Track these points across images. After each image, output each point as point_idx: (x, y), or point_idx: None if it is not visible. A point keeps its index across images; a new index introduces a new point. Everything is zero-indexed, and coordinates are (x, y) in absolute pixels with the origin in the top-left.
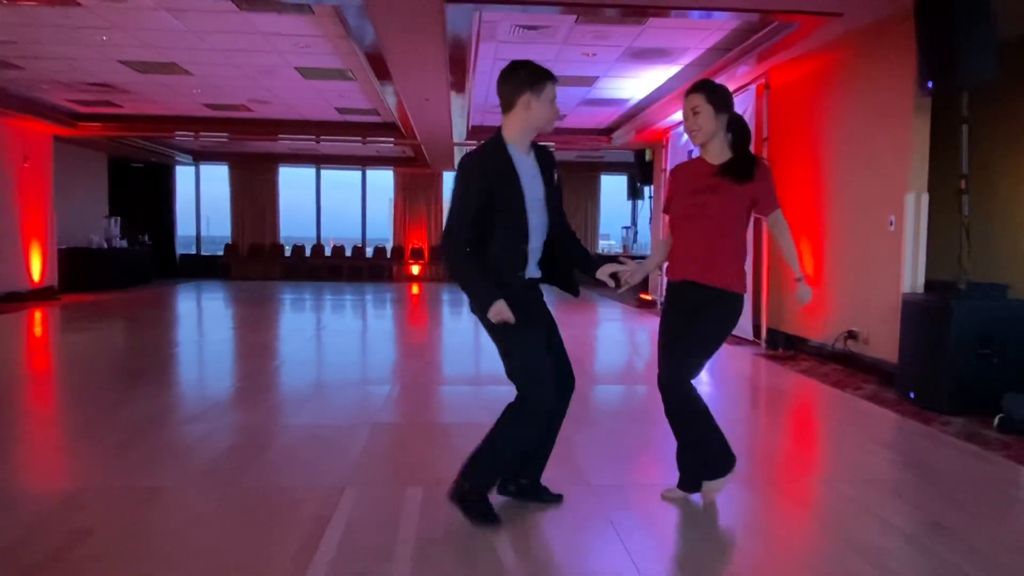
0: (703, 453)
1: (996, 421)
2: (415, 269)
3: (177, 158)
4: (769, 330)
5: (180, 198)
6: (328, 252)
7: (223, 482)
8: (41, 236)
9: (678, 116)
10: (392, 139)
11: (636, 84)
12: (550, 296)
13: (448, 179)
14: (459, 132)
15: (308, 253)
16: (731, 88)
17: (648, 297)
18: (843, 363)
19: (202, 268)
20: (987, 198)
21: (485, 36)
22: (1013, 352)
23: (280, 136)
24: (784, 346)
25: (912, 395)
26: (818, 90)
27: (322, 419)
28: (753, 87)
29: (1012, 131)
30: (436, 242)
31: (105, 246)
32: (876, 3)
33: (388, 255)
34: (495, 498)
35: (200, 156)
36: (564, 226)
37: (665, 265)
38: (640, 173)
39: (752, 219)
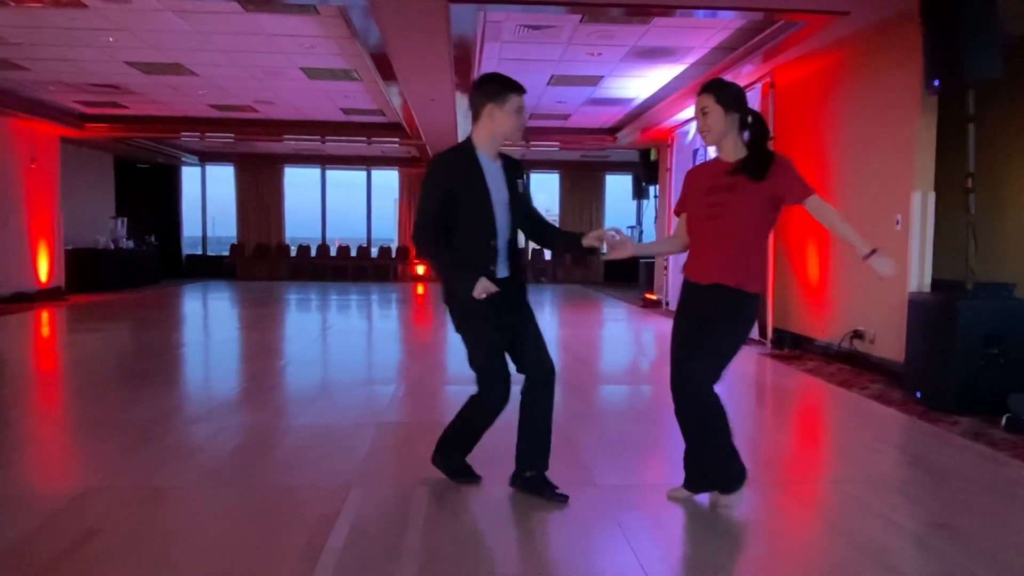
0: (715, 464)
1: (1003, 421)
2: (420, 269)
3: (183, 159)
4: (775, 330)
5: (186, 199)
6: (333, 252)
7: (230, 482)
8: (48, 237)
9: (683, 115)
10: (397, 139)
11: (641, 83)
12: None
13: None
14: (464, 132)
15: (313, 253)
16: None
17: (653, 296)
18: (849, 362)
19: (208, 268)
20: (994, 197)
21: (490, 36)
22: (1020, 352)
23: (285, 137)
24: (790, 346)
25: (919, 395)
26: (824, 89)
27: (328, 419)
28: (758, 86)
29: (1019, 130)
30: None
31: (111, 247)
32: (882, 2)
33: (393, 255)
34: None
35: (206, 157)
36: (543, 222)
37: (682, 263)
38: (645, 173)
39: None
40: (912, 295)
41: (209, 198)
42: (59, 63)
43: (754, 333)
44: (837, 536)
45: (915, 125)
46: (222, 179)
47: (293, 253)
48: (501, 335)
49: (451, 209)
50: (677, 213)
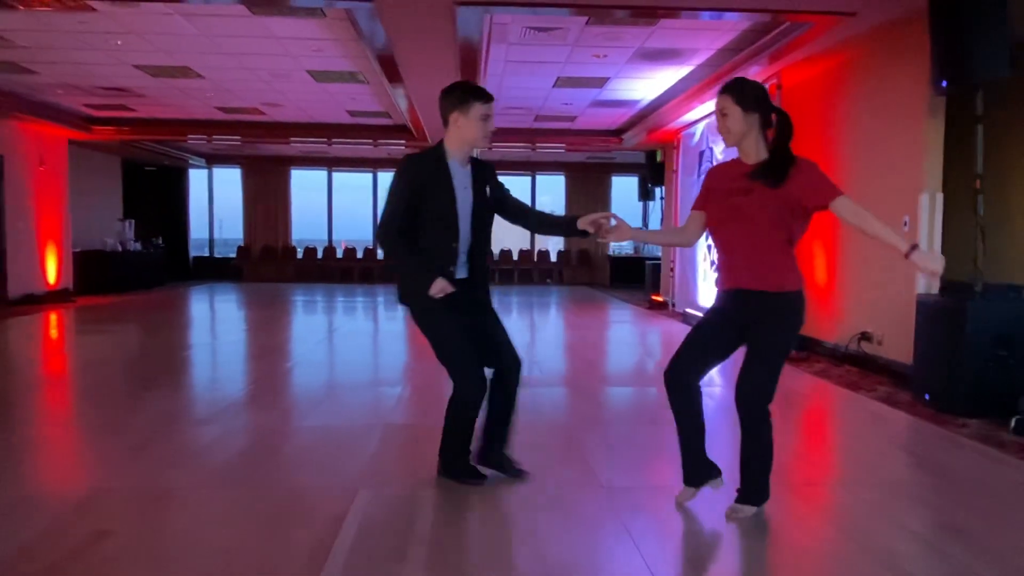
0: (758, 475)
1: (1013, 423)
2: None
3: (190, 161)
4: None
5: (193, 201)
6: (340, 254)
7: (238, 483)
8: (56, 239)
9: (689, 117)
10: (403, 141)
11: (647, 85)
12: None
13: None
14: None
15: (320, 255)
16: None
17: (660, 298)
18: (857, 365)
19: (215, 270)
20: (1003, 198)
21: (496, 38)
22: None
23: (292, 139)
24: (797, 348)
25: (927, 397)
26: (831, 90)
27: (335, 420)
28: (765, 88)
29: None
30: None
31: (119, 249)
32: (890, 2)
33: None
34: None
35: (213, 159)
36: (529, 210)
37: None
38: (651, 174)
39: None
40: (920, 297)
41: (216, 200)
42: (67, 66)
43: None
44: (846, 539)
45: (923, 126)
46: (229, 181)
47: (299, 255)
48: (464, 332)
49: (416, 209)
50: (695, 207)
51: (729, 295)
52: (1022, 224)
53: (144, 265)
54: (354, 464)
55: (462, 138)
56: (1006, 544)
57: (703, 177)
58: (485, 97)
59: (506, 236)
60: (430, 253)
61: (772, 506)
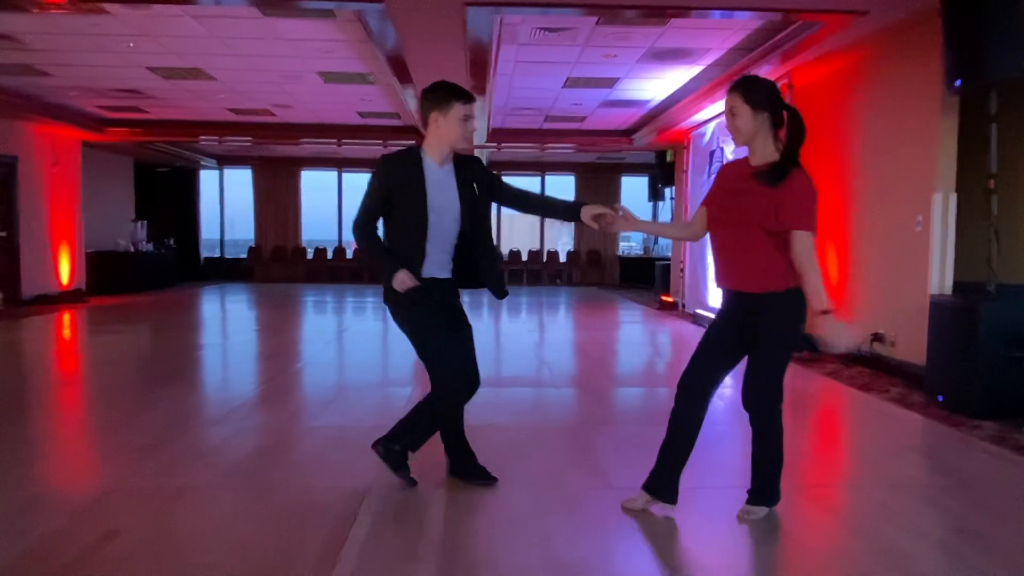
0: (768, 477)
1: None
2: None
3: (202, 162)
4: None
5: (204, 202)
6: (349, 255)
7: (249, 483)
8: (70, 240)
9: (700, 117)
10: (413, 142)
11: (657, 85)
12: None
13: None
14: (479, 135)
15: (330, 256)
16: None
17: (669, 299)
18: (869, 366)
19: (226, 271)
20: (1017, 198)
21: (506, 39)
22: None
23: (302, 140)
24: (809, 349)
25: (940, 399)
26: (843, 89)
27: (345, 420)
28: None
29: None
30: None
31: (131, 249)
32: (902, 1)
33: None
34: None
35: (224, 160)
36: (527, 195)
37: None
38: (661, 174)
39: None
40: (933, 298)
41: (227, 201)
42: (81, 68)
43: None
44: (859, 541)
45: (936, 125)
46: (240, 182)
47: (310, 255)
48: (447, 330)
49: (389, 208)
50: (703, 204)
51: (727, 294)
52: None
53: (156, 266)
54: (364, 464)
55: (441, 138)
56: (1020, 546)
57: (714, 175)
58: (466, 97)
59: (516, 236)
60: (401, 252)
61: (784, 507)
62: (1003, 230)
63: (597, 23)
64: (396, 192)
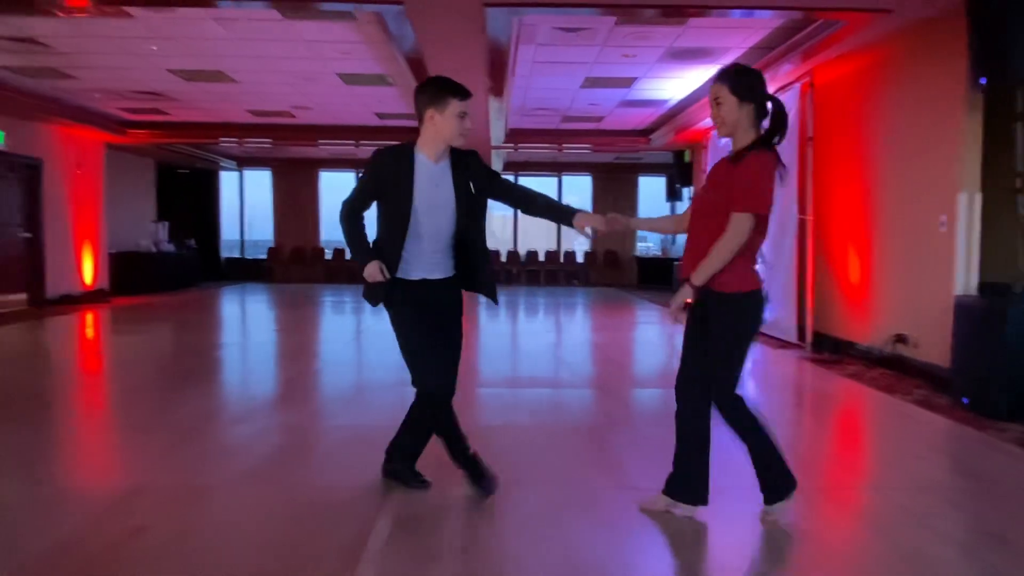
0: (765, 471)
1: None
2: None
3: (222, 164)
4: (814, 333)
5: (224, 203)
6: None
7: (272, 481)
8: (93, 240)
9: None
10: None
11: (676, 85)
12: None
13: None
14: (496, 135)
15: (348, 256)
16: (774, 88)
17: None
18: (892, 367)
19: (246, 271)
20: None
21: (524, 39)
22: None
23: (321, 141)
24: (830, 350)
25: (966, 401)
26: (865, 88)
27: (365, 420)
28: (797, 86)
29: None
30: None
31: (153, 250)
32: None
33: None
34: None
35: (244, 161)
36: (523, 193)
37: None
38: (679, 174)
39: (796, 221)
40: (958, 298)
41: (247, 202)
42: (104, 71)
43: (792, 336)
44: (882, 543)
45: (960, 124)
46: (259, 184)
47: (328, 256)
48: (434, 331)
49: (378, 202)
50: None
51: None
52: None
53: (177, 266)
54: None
55: (437, 135)
56: None
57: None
58: (462, 94)
59: (532, 237)
60: (386, 249)
61: (806, 508)
62: None
63: (616, 23)
64: (384, 187)
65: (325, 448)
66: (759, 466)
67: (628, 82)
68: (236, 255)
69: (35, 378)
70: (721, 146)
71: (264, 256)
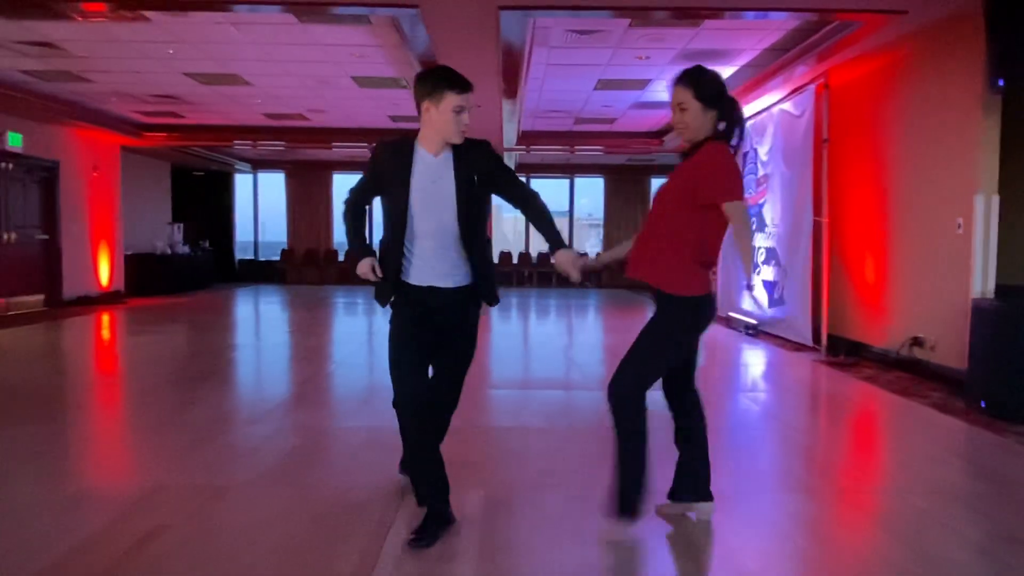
0: (619, 478)
1: None
2: None
3: (236, 166)
4: (829, 336)
5: (239, 205)
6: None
7: (288, 482)
8: (109, 242)
9: None
10: None
11: None
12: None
13: None
14: (509, 138)
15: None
16: (789, 89)
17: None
18: (908, 370)
19: (259, 273)
20: None
21: (538, 42)
22: None
23: (334, 144)
24: (846, 352)
25: (983, 404)
26: (881, 89)
27: (379, 421)
28: (812, 87)
29: None
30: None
31: (168, 252)
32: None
33: None
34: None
35: (258, 164)
36: (522, 200)
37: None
38: None
39: (811, 223)
40: (975, 301)
41: (260, 204)
42: (122, 75)
43: (807, 339)
44: (901, 546)
45: (977, 125)
46: (273, 186)
47: (341, 258)
48: (423, 340)
49: (380, 198)
50: None
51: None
52: None
53: (192, 267)
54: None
55: (433, 130)
56: None
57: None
58: (459, 86)
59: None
60: (390, 249)
61: (824, 511)
62: None
63: (630, 25)
64: (383, 181)
65: (341, 449)
66: (618, 472)
67: (642, 84)
68: (250, 257)
69: (53, 378)
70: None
71: (278, 258)
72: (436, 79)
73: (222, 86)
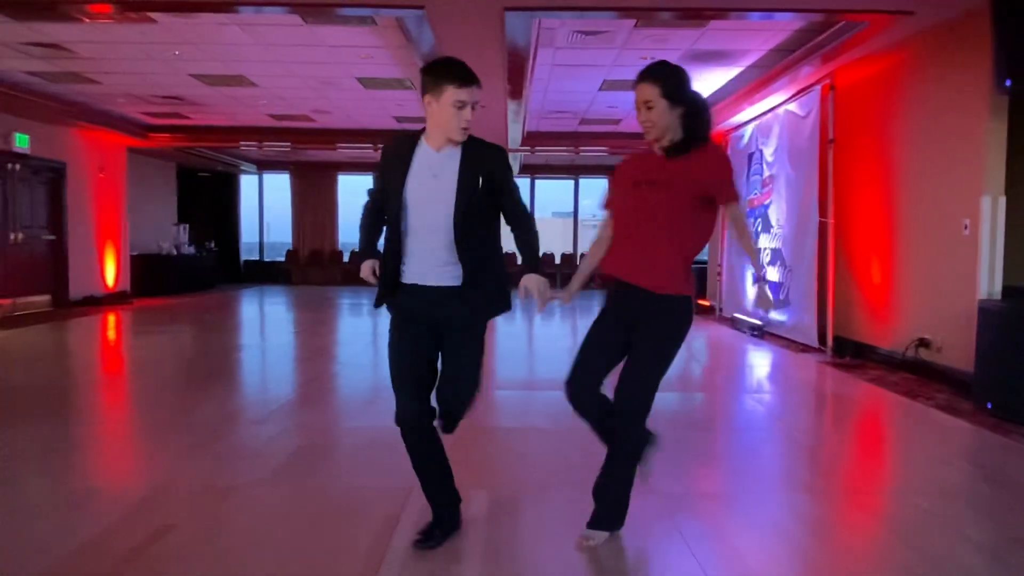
0: (614, 497)
1: None
2: None
3: (241, 167)
4: (836, 337)
5: (244, 206)
6: None
7: (294, 482)
8: (115, 243)
9: (739, 118)
10: None
11: (695, 87)
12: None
13: None
14: (514, 138)
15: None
16: (794, 89)
17: (706, 303)
18: (914, 372)
19: (265, 273)
20: None
21: (543, 43)
22: None
23: (339, 145)
24: (851, 354)
25: (989, 406)
26: (887, 90)
27: (384, 422)
28: (818, 88)
29: None
30: None
31: (174, 252)
32: (949, 0)
33: None
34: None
35: (263, 165)
36: (514, 219)
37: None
38: None
39: (817, 224)
40: (982, 302)
41: (266, 205)
42: (128, 76)
43: (813, 340)
44: (907, 548)
45: (984, 126)
46: (278, 187)
47: (346, 258)
48: (420, 350)
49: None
50: (607, 207)
51: (618, 288)
52: None
53: (197, 268)
54: (406, 465)
55: (435, 124)
56: None
57: (620, 175)
58: (461, 79)
59: (549, 239)
60: (390, 247)
61: (829, 513)
62: None
63: (635, 26)
64: (385, 176)
65: (347, 449)
66: (610, 490)
67: None
68: (255, 257)
69: (60, 378)
70: (741, 148)
71: (283, 258)
72: (438, 71)
73: (228, 87)
